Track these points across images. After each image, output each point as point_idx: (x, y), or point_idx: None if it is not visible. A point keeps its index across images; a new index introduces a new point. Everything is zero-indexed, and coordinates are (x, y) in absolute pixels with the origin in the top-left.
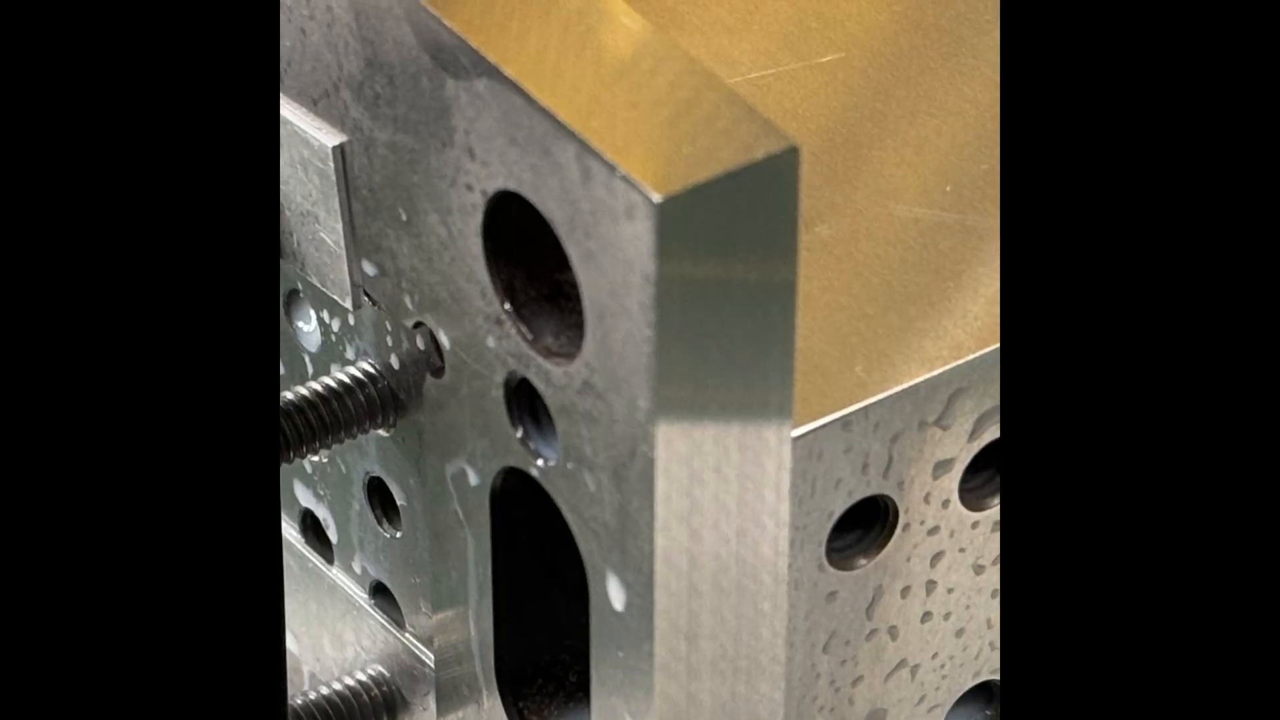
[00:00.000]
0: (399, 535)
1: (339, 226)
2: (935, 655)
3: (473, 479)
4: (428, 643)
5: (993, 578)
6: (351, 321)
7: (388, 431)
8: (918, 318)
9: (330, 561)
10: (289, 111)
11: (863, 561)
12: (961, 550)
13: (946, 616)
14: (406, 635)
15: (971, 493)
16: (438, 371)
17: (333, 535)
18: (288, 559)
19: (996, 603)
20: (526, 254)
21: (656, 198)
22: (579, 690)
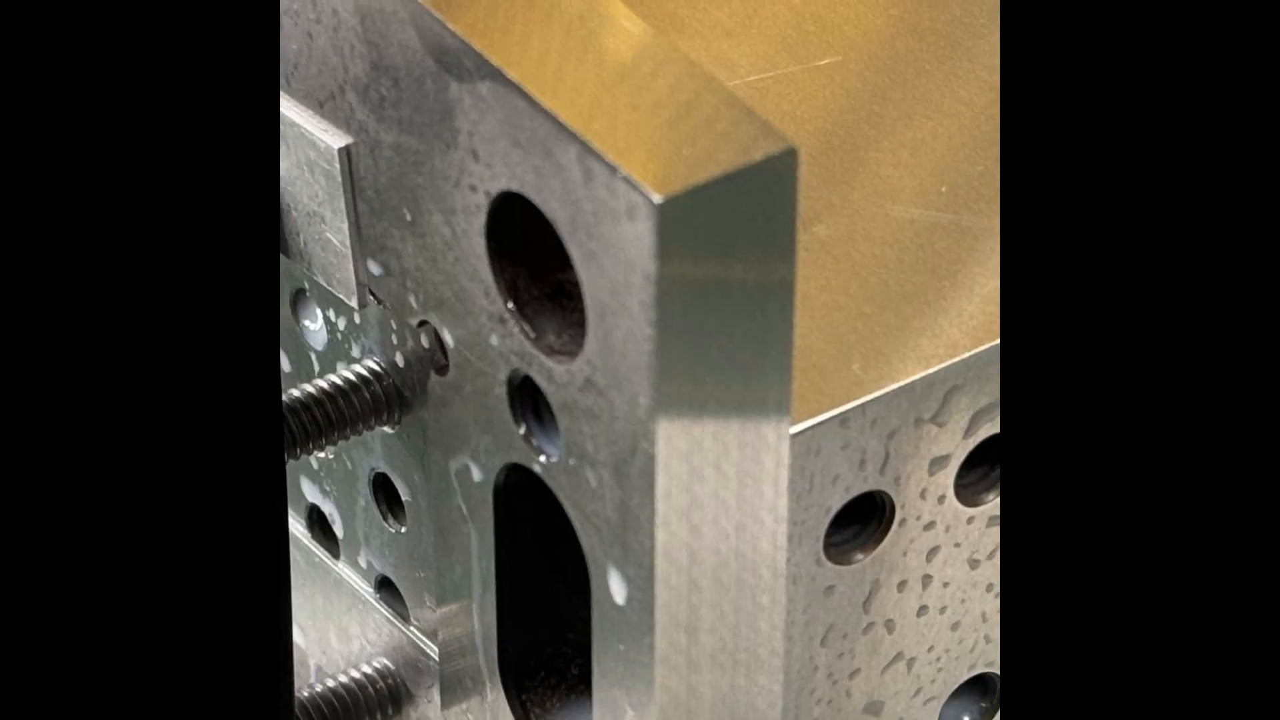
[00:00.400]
0: (404, 530)
1: (345, 227)
2: (931, 648)
3: (476, 475)
4: (432, 636)
5: (988, 572)
6: (357, 320)
7: (393, 428)
8: (914, 316)
9: (336, 556)
10: (296, 114)
11: (860, 556)
12: (957, 545)
13: (942, 610)
14: (411, 629)
15: (967, 488)
16: (442, 369)
17: (339, 530)
18: (295, 554)
19: (991, 597)
20: (529, 254)
21: (657, 198)
22: (581, 683)
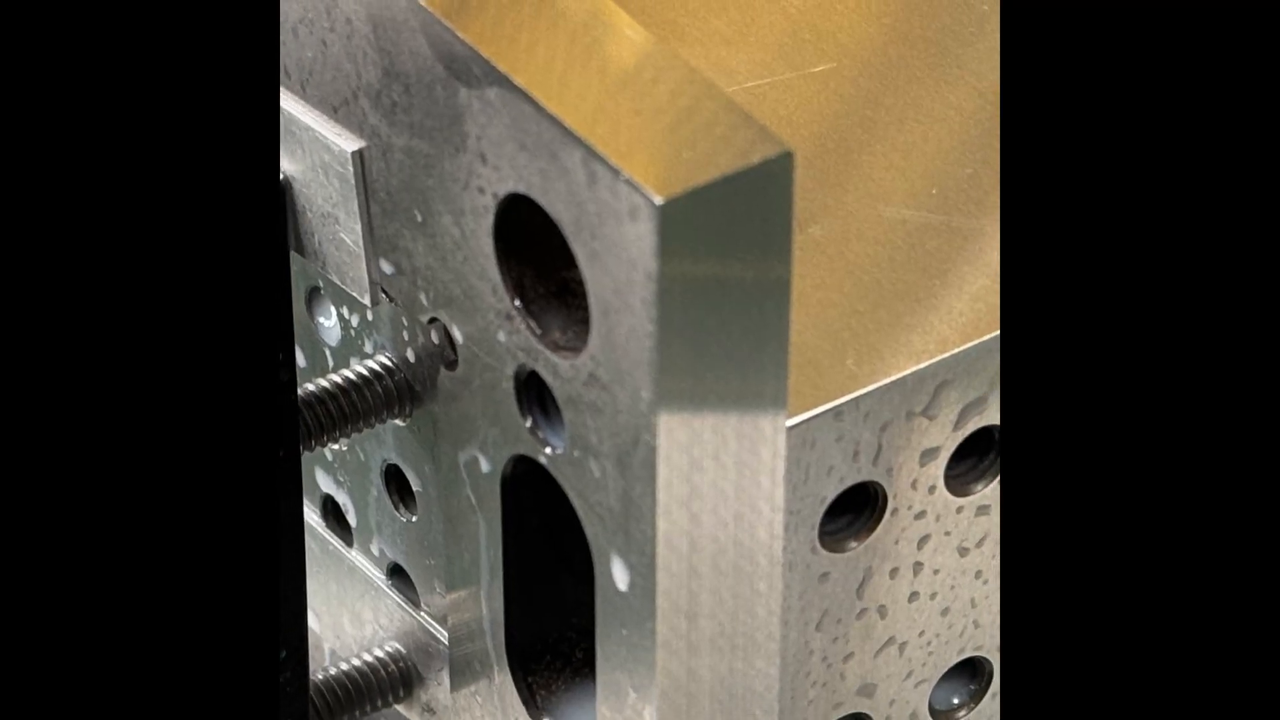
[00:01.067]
0: (415, 519)
1: (358, 227)
2: (922, 633)
3: (484, 466)
4: (442, 621)
5: (976, 560)
6: (370, 317)
7: (404, 421)
8: (905, 314)
9: (350, 544)
10: (310, 119)
11: (853, 544)
12: (947, 534)
13: (933, 596)
14: (422, 614)
15: (956, 479)
16: (451, 364)
17: (352, 519)
18: (309, 542)
19: (980, 583)
20: (535, 253)
21: (658, 200)
22: (585, 666)
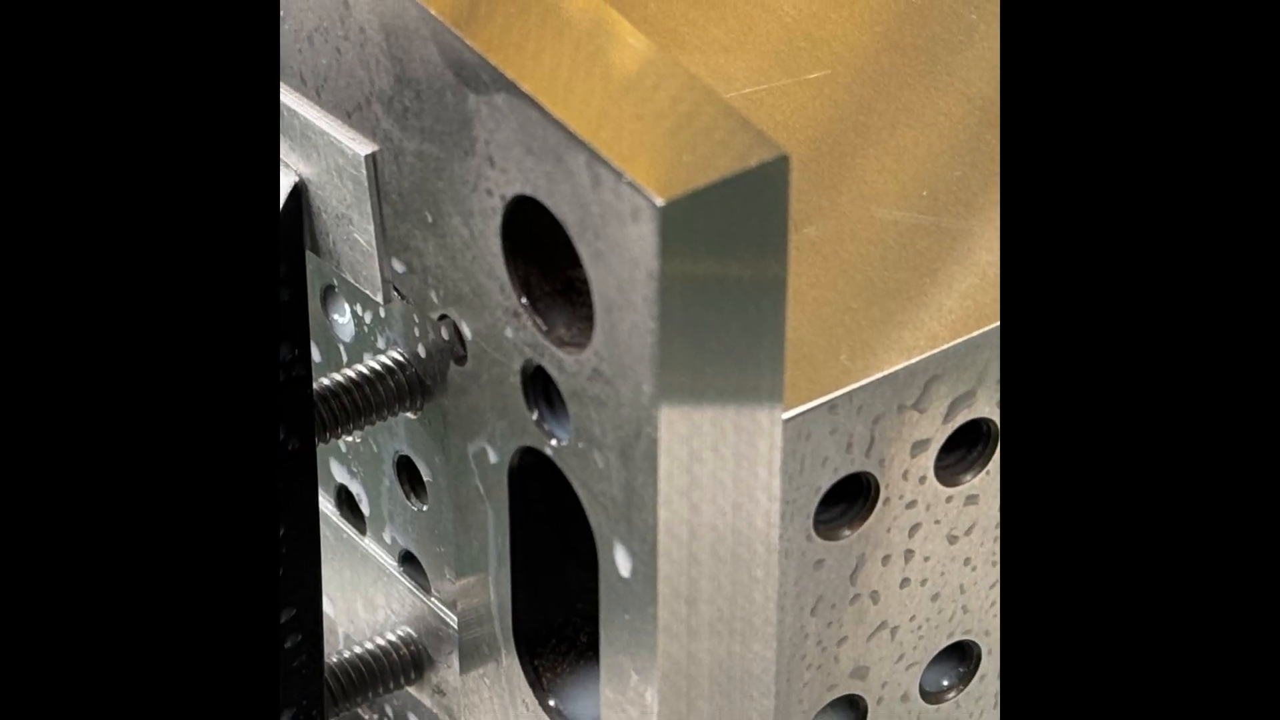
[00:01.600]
0: (425, 509)
1: (371, 228)
2: (913, 618)
3: (492, 457)
4: (452, 606)
5: (965, 547)
6: (382, 314)
7: (415, 414)
8: (897, 311)
9: (363, 532)
10: (325, 123)
11: (847, 532)
12: (937, 522)
13: (923, 583)
14: (432, 599)
15: (946, 470)
16: (460, 360)
17: (365, 509)
18: (324, 530)
19: (969, 570)
20: (541, 253)
21: (659, 201)
22: (589, 649)
